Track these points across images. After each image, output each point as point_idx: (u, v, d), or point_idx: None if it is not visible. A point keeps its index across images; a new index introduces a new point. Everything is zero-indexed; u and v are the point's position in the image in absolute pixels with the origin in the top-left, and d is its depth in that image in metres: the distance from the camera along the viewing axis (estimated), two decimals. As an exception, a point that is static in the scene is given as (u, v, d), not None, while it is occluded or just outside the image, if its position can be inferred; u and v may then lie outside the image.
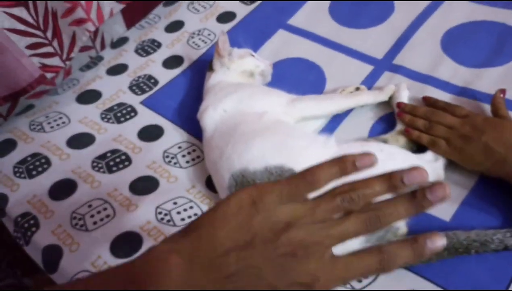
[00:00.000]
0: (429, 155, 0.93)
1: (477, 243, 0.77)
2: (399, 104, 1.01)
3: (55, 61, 1.21)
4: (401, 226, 0.83)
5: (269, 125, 0.96)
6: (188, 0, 1.48)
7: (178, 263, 0.46)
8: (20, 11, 1.09)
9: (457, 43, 1.16)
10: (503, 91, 0.95)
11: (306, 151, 0.91)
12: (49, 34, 1.16)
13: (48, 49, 1.18)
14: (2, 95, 1.16)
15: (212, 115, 1.01)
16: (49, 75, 1.21)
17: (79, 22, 1.22)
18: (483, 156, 0.86)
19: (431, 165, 0.91)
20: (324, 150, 0.91)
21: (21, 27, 1.10)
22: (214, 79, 1.11)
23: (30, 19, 1.11)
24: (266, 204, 0.48)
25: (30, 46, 1.14)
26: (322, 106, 1.05)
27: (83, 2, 1.21)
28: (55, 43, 1.19)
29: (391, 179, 0.49)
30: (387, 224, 0.49)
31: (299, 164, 0.85)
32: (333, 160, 0.51)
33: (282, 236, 0.47)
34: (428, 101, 1.02)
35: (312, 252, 0.47)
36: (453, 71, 1.10)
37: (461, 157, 0.90)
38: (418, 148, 0.96)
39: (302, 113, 1.02)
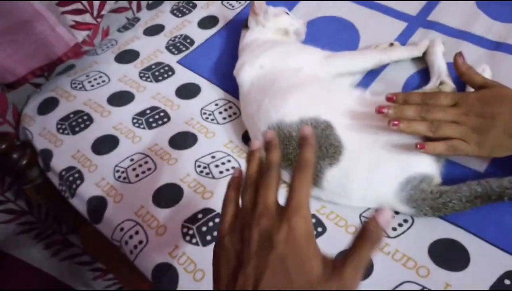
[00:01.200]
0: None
1: (510, 190, 0.78)
2: (380, 109, 0.84)
3: (86, 18, 1.24)
4: (435, 176, 0.84)
5: (305, 81, 0.97)
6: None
7: None
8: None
9: (492, -2, 1.16)
10: (461, 55, 0.87)
11: (341, 103, 0.92)
12: (77, -10, 1.19)
13: (77, 5, 1.20)
14: (39, 65, 1.19)
15: (249, 71, 1.03)
16: (83, 33, 1.24)
17: (112, -21, 1.25)
18: (508, 138, 0.79)
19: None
20: (359, 103, 0.92)
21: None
22: (250, 36, 1.13)
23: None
24: None
25: (60, 4, 1.17)
26: (356, 62, 1.06)
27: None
28: (84, 1, 1.22)
29: None
30: None
31: (334, 116, 0.89)
32: None
33: None
34: (399, 99, 0.85)
35: None
36: (487, 27, 1.11)
37: (489, 150, 0.81)
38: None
39: (337, 69, 1.03)
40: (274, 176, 0.57)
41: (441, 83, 0.97)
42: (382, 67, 1.08)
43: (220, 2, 1.38)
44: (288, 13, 1.16)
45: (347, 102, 0.92)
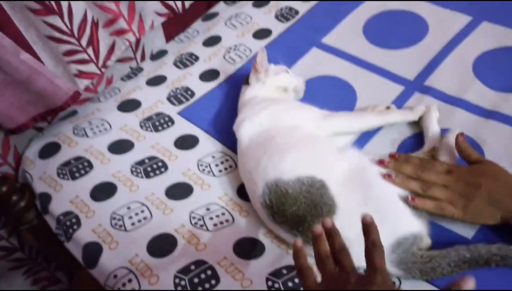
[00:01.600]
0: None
1: (497, 257, 0.80)
2: (381, 162, 0.94)
3: (90, 68, 1.27)
4: (424, 236, 0.87)
5: (302, 139, 1.00)
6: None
7: None
8: (54, 19, 1.13)
9: (488, 67, 1.19)
10: (462, 135, 0.96)
11: (336, 164, 0.95)
12: (83, 41, 1.22)
13: (83, 56, 1.23)
14: (39, 112, 1.23)
15: (248, 128, 1.06)
16: (85, 81, 1.27)
17: (120, 32, 1.29)
18: (491, 207, 0.85)
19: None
20: (353, 164, 0.95)
21: (57, 34, 1.16)
22: (250, 93, 1.16)
23: (64, 27, 1.16)
24: None
25: (66, 53, 1.20)
26: (352, 123, 1.09)
27: (125, 14, 1.28)
28: (89, 51, 1.24)
29: None
30: None
31: (329, 176, 0.91)
32: None
33: None
34: (400, 158, 0.96)
35: None
36: (482, 94, 1.13)
37: (472, 216, 0.87)
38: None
39: (334, 129, 1.06)
40: (347, 252, 0.72)
41: (434, 149, 1.00)
42: (377, 129, 1.11)
43: (222, 56, 1.42)
44: (288, 72, 1.19)
45: (342, 163, 0.95)
